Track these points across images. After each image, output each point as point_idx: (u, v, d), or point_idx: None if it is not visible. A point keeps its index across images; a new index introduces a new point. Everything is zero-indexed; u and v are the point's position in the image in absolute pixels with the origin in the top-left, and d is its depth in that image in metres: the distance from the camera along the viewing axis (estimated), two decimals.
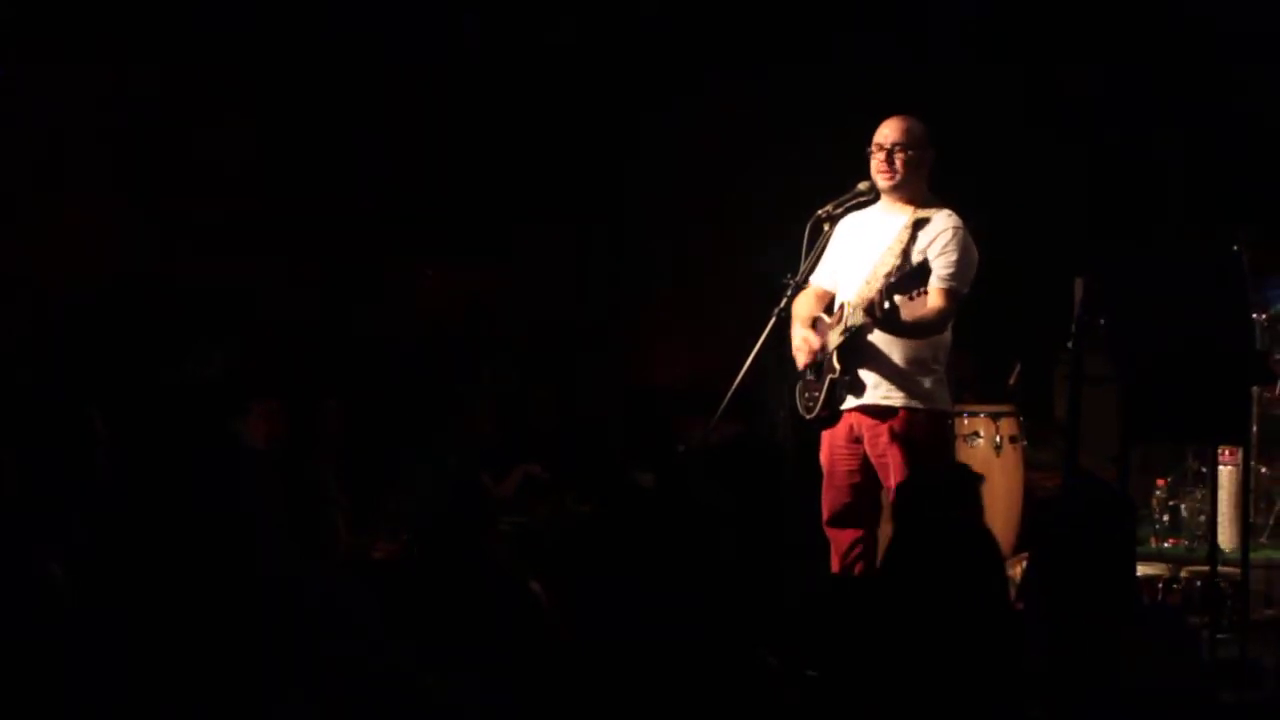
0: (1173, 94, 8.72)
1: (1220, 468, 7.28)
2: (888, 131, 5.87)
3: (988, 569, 3.48)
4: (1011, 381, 7.75)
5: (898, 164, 5.84)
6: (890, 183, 5.86)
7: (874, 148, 5.88)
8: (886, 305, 5.55)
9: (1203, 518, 7.10)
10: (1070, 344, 6.82)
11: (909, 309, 5.71)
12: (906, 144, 5.84)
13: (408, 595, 4.04)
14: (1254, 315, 8.00)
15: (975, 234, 5.90)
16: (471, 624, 3.96)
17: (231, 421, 6.72)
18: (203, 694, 3.23)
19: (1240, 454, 6.99)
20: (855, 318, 5.72)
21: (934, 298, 5.74)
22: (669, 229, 8.49)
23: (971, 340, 6.30)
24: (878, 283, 5.64)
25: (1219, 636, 5.81)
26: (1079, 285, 6.85)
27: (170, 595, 3.32)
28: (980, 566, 3.48)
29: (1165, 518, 8.05)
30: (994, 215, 6.36)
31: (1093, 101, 8.83)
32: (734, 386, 5.92)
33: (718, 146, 8.49)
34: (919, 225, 5.79)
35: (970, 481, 4.54)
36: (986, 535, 3.60)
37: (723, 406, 5.93)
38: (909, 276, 5.55)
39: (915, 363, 5.83)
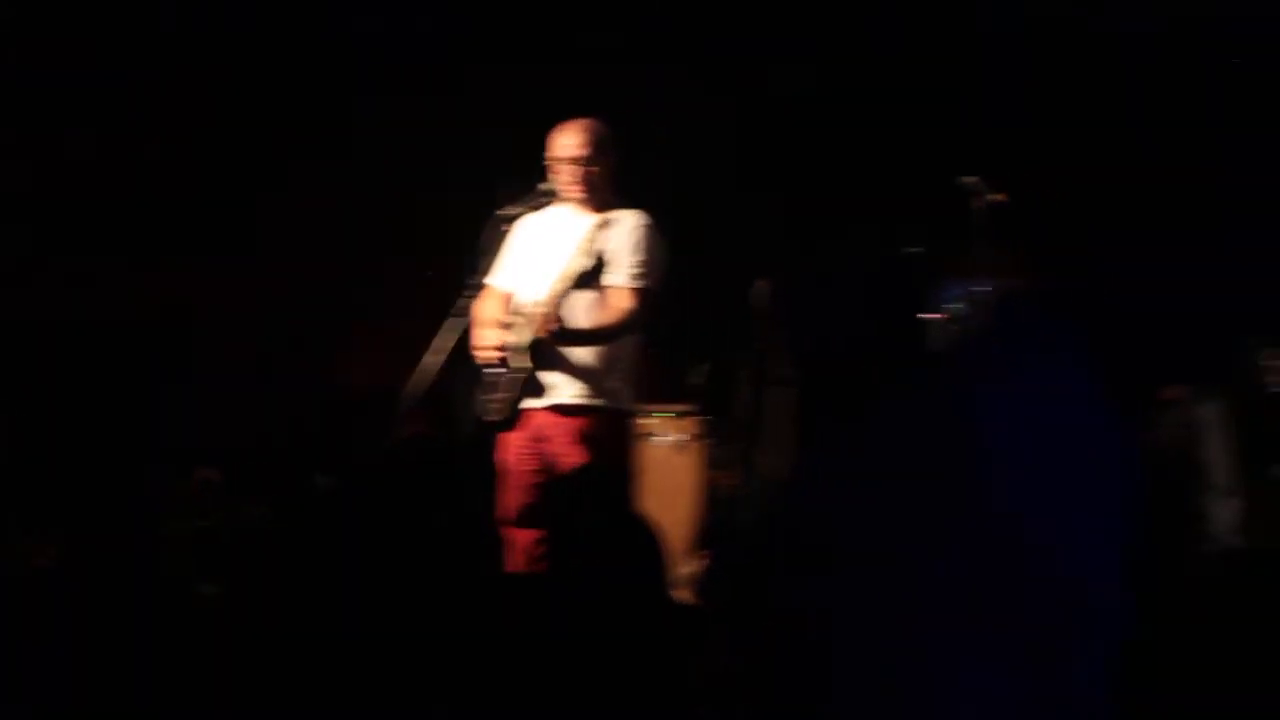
0: (856, 96, 8.89)
1: None
2: (568, 142, 5.84)
3: (646, 566, 3.49)
4: (696, 381, 7.80)
5: (582, 174, 5.83)
6: (576, 194, 5.85)
7: (555, 159, 5.85)
8: (558, 319, 5.57)
9: None
10: (752, 344, 6.90)
11: (597, 312, 5.71)
12: (583, 156, 5.83)
13: (65, 604, 3.89)
14: (931, 316, 8.23)
15: (661, 233, 5.91)
16: (131, 629, 3.83)
17: None
18: None
19: None
20: (537, 330, 5.69)
21: (622, 298, 5.75)
22: (350, 227, 8.36)
23: (656, 339, 6.32)
24: (561, 284, 5.63)
25: None
26: (762, 286, 6.95)
27: None
28: (637, 564, 3.48)
29: None
30: (678, 215, 6.39)
31: (778, 103, 8.95)
32: (416, 387, 5.85)
33: (403, 146, 8.39)
34: (605, 226, 5.78)
35: (614, 481, 4.53)
36: (644, 533, 3.60)
37: (403, 407, 5.85)
38: (590, 273, 5.55)
39: (602, 362, 5.82)
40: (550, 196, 5.95)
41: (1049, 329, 2.00)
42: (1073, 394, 1.94)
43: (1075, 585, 1.93)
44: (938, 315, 8.33)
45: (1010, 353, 2.05)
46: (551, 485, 5.77)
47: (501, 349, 5.84)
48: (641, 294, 5.78)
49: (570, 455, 5.75)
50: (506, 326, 5.90)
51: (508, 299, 6.01)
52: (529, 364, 5.77)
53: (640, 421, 6.93)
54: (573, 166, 5.82)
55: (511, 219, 5.97)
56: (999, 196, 6.42)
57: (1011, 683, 1.86)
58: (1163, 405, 5.80)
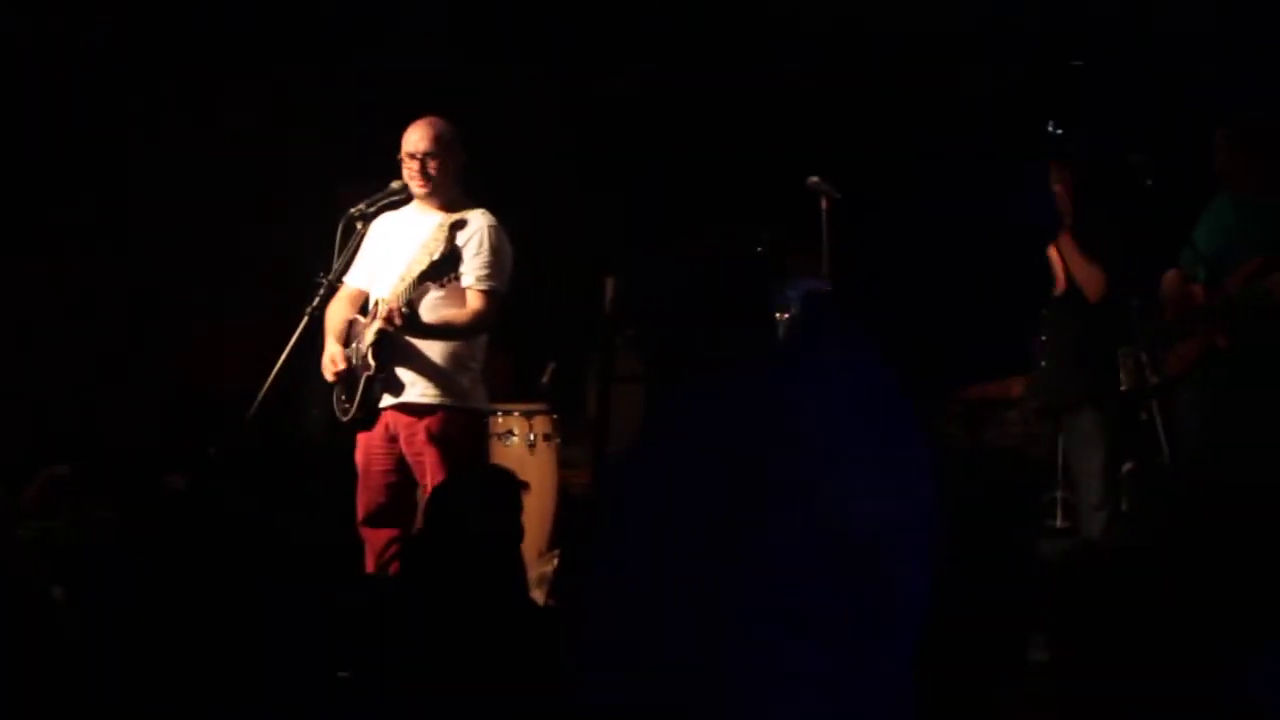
0: (702, 94, 8.97)
1: None
2: (417, 138, 5.85)
3: (505, 570, 3.52)
4: (545, 380, 7.84)
5: (431, 171, 5.85)
6: (425, 190, 5.86)
7: (405, 155, 5.87)
8: (405, 312, 5.58)
9: None
10: (600, 343, 6.94)
11: (444, 310, 5.73)
12: (436, 151, 5.85)
13: None
14: (776, 315, 8.32)
15: (511, 232, 5.95)
16: None
17: None
18: None
19: None
20: (383, 322, 5.70)
21: (473, 299, 5.77)
22: (203, 224, 8.28)
23: (506, 339, 6.35)
24: (410, 283, 5.64)
25: None
26: (609, 285, 6.99)
27: None
28: (500, 568, 3.52)
29: None
30: (527, 214, 6.43)
31: (626, 102, 9.01)
32: (266, 386, 5.82)
33: (258, 141, 8.33)
34: (455, 226, 5.79)
35: (512, 486, 4.56)
36: (512, 539, 3.64)
37: (256, 407, 5.83)
38: (437, 268, 5.56)
39: (452, 361, 5.84)
40: (401, 195, 5.96)
41: (848, 324, 2.07)
42: (864, 385, 2.01)
43: (883, 572, 1.99)
44: (784, 312, 8.44)
45: (807, 345, 2.11)
46: (405, 486, 5.79)
47: (339, 367, 5.84)
48: (489, 295, 5.80)
49: (422, 454, 5.75)
50: (358, 325, 5.90)
51: (359, 297, 6.01)
52: (382, 362, 5.78)
53: (492, 421, 6.95)
54: (421, 161, 5.84)
55: (363, 218, 5.97)
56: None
57: (821, 659, 1.92)
58: (1002, 404, 5.89)
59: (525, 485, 4.66)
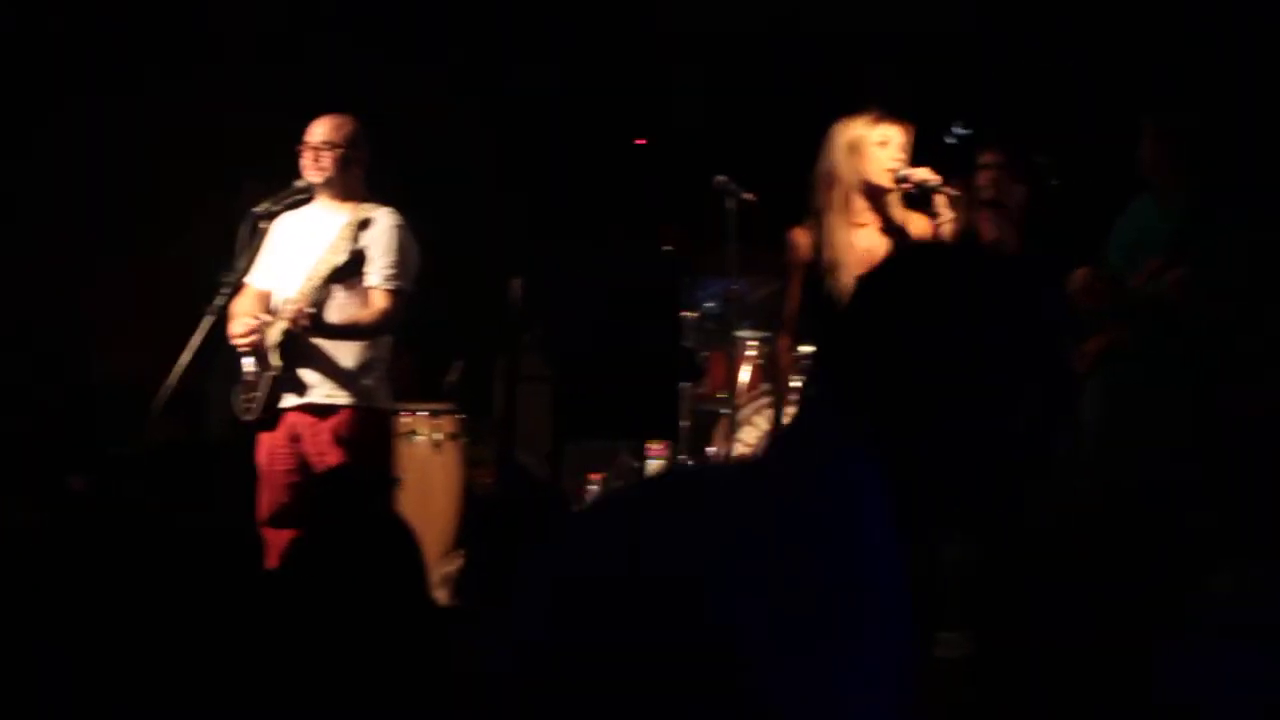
0: (610, 94, 8.99)
1: (650, 461, 7.55)
2: (318, 130, 5.85)
3: (402, 565, 3.50)
4: (451, 379, 7.82)
5: (325, 161, 5.83)
6: (319, 179, 5.84)
7: (304, 145, 5.85)
8: (311, 312, 5.55)
9: None
10: (506, 342, 6.93)
11: (350, 309, 5.71)
12: (335, 142, 5.83)
13: None
14: (684, 314, 8.34)
15: (417, 232, 5.93)
16: None
17: None
18: None
19: (669, 448, 7.27)
20: (289, 322, 5.67)
21: (378, 299, 5.76)
22: (105, 222, 8.20)
23: (411, 338, 6.33)
24: (315, 282, 5.62)
25: None
26: (515, 285, 6.98)
27: None
28: (394, 563, 3.49)
29: None
30: (434, 214, 6.41)
31: (532, 102, 9.01)
32: (169, 386, 5.77)
33: (160, 138, 8.26)
34: (360, 225, 5.77)
35: (382, 481, 4.54)
36: (402, 532, 3.61)
37: (157, 406, 5.78)
38: (344, 270, 5.54)
39: (356, 361, 5.82)
40: (306, 194, 5.93)
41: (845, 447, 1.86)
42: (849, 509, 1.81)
43: None
44: (691, 313, 8.47)
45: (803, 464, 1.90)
46: (307, 484, 5.75)
47: (255, 340, 5.80)
48: (394, 295, 5.79)
49: (326, 455, 5.73)
50: (262, 324, 5.87)
51: (264, 297, 5.97)
52: (286, 362, 5.75)
53: (397, 420, 6.92)
54: (327, 155, 5.82)
55: (267, 216, 5.93)
56: (749, 196, 6.53)
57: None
58: None
59: (396, 480, 4.63)
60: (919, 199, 5.24)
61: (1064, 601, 2.68)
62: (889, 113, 5.27)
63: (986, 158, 6.38)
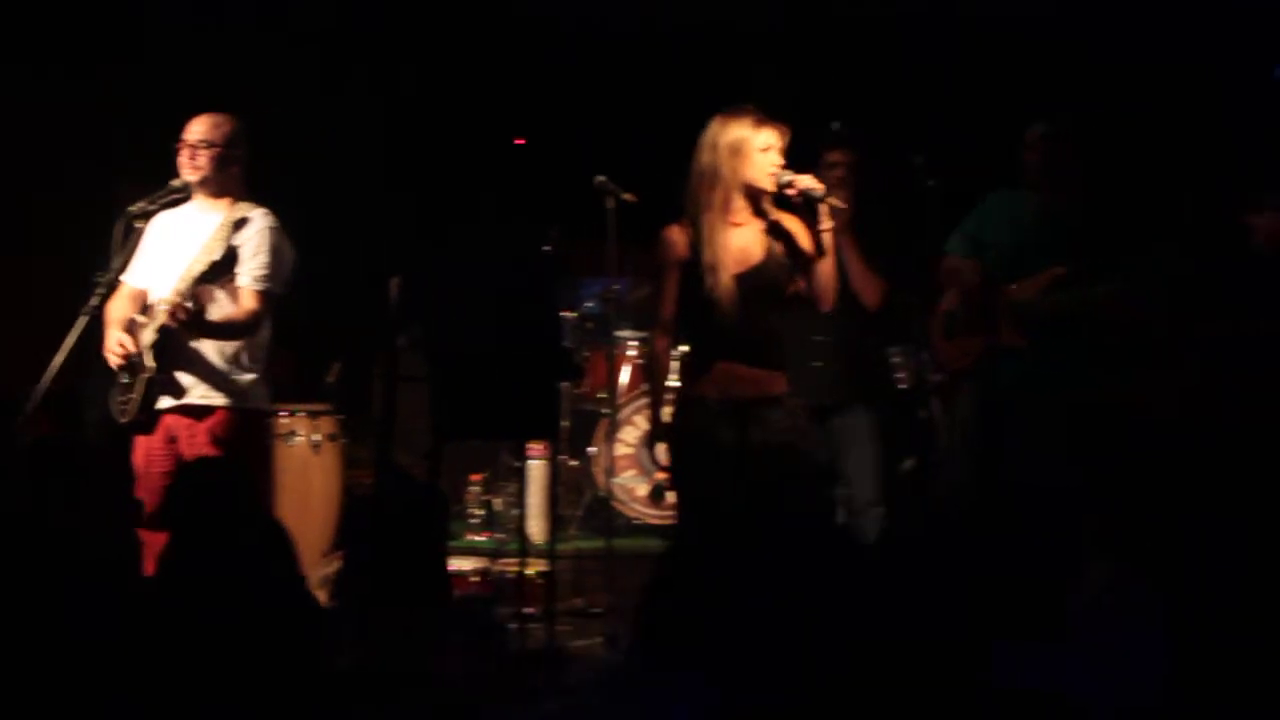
0: (488, 94, 9.00)
1: (530, 462, 7.55)
2: (196, 128, 5.81)
3: (277, 567, 3.49)
4: (330, 379, 7.78)
5: (202, 160, 5.79)
6: (195, 177, 5.81)
7: (181, 144, 5.81)
8: (190, 307, 5.51)
9: (516, 511, 7.32)
10: (385, 342, 6.91)
11: (222, 308, 5.68)
12: (213, 140, 5.80)
13: None
14: (564, 313, 8.36)
15: (294, 233, 5.91)
16: None
17: None
18: None
19: (549, 448, 7.28)
20: (165, 318, 5.63)
21: (247, 299, 5.73)
22: None
23: (290, 339, 6.29)
24: (190, 281, 5.58)
25: (529, 626, 6.02)
26: (394, 285, 6.97)
27: None
28: (267, 565, 3.48)
29: (480, 512, 8.29)
30: (313, 214, 6.38)
31: (412, 102, 8.99)
32: (43, 386, 5.71)
33: (35, 137, 8.16)
34: (235, 225, 5.74)
35: (241, 480, 4.50)
36: (274, 533, 3.60)
37: (31, 407, 5.71)
38: (216, 269, 5.51)
39: (232, 361, 5.78)
40: (183, 193, 5.89)
41: None
42: None
43: None
44: (570, 313, 8.49)
45: None
46: (176, 485, 5.71)
47: (129, 349, 5.75)
48: (263, 296, 5.76)
49: (203, 456, 5.69)
50: (137, 324, 5.82)
51: (140, 296, 5.92)
52: (161, 363, 5.70)
53: (276, 421, 6.89)
54: (204, 153, 5.79)
55: (143, 215, 5.88)
56: (629, 196, 6.55)
57: None
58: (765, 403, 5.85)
59: (254, 478, 4.59)
60: (805, 206, 5.26)
61: (932, 601, 2.72)
62: (770, 115, 5.30)
63: (834, 156, 6.41)
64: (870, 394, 6.50)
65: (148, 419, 5.75)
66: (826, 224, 5.23)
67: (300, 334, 6.58)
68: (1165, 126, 7.74)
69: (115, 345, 5.78)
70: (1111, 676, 2.80)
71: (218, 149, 5.81)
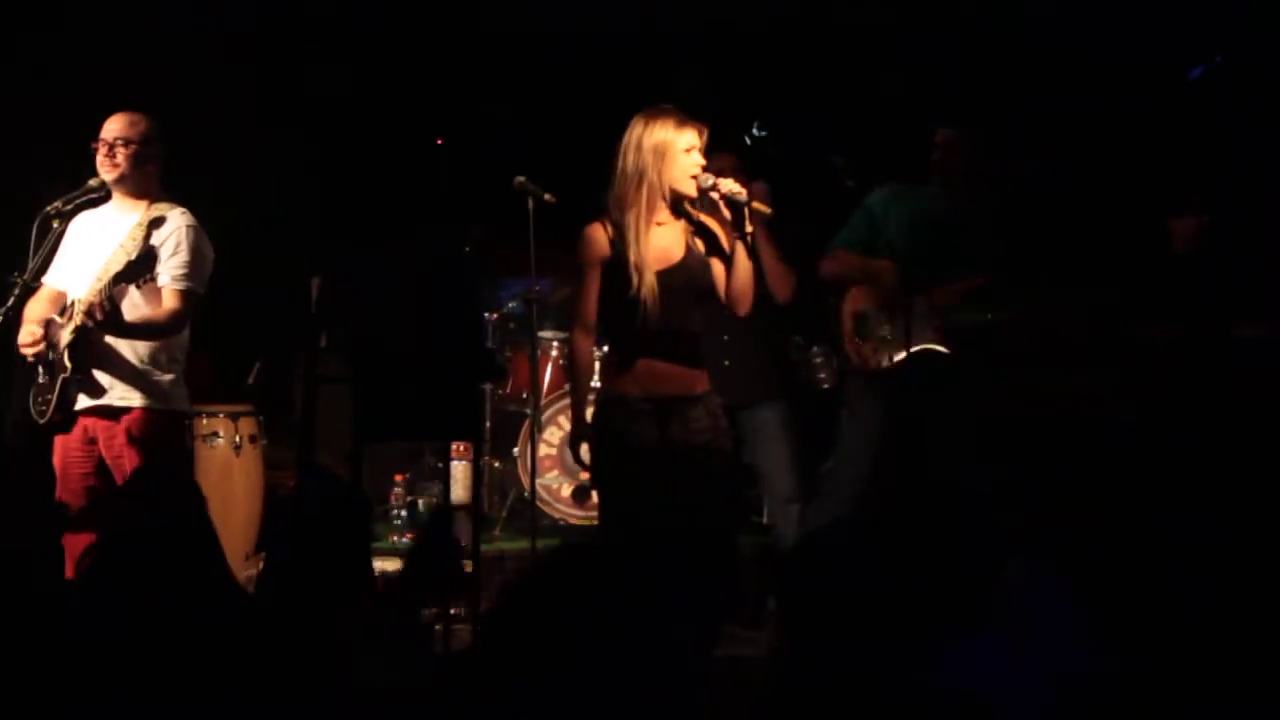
0: (410, 94, 8.98)
1: (454, 463, 7.54)
2: (112, 126, 5.79)
3: (201, 569, 3.48)
4: (251, 380, 7.74)
5: (120, 157, 5.77)
6: (113, 175, 5.79)
7: (99, 142, 5.77)
8: (107, 307, 5.47)
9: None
10: (305, 342, 6.89)
11: (143, 309, 5.65)
12: (130, 138, 5.77)
13: None
14: (486, 314, 8.36)
15: (214, 232, 5.88)
16: None
17: None
18: None
19: (472, 449, 7.27)
20: (82, 318, 5.59)
21: (167, 299, 5.71)
22: None
23: (210, 339, 6.26)
24: (107, 281, 5.54)
25: (454, 627, 6.01)
26: (315, 285, 6.94)
27: None
28: (191, 567, 3.47)
29: (404, 513, 8.28)
30: (232, 214, 6.36)
31: (332, 101, 8.96)
32: None
33: None
34: (153, 224, 5.72)
35: (166, 483, 4.48)
36: (205, 534, 3.58)
37: None
38: (133, 268, 5.47)
39: (151, 362, 5.76)
40: (100, 192, 5.86)
41: None
42: None
43: None
44: (492, 313, 8.49)
45: None
46: (105, 490, 5.67)
47: (38, 338, 5.72)
48: (184, 295, 5.74)
49: (122, 457, 5.66)
50: (55, 325, 5.78)
51: (57, 297, 5.89)
52: (79, 363, 5.67)
53: (198, 422, 6.85)
54: (121, 151, 5.76)
55: (60, 216, 5.84)
56: (549, 196, 6.55)
57: None
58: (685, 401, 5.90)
59: (178, 480, 4.58)
60: (731, 210, 5.30)
61: (857, 598, 2.75)
62: (691, 116, 5.33)
63: (721, 160, 6.44)
64: (785, 391, 6.53)
65: (65, 419, 5.72)
66: (750, 228, 5.27)
67: (221, 335, 6.55)
68: (1091, 128, 7.80)
69: (26, 338, 5.75)
70: (1024, 674, 2.83)
71: (134, 146, 5.78)
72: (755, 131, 6.92)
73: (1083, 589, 3.12)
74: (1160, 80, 7.31)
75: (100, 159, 5.78)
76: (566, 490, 8.30)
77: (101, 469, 5.73)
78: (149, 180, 5.84)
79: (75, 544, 5.67)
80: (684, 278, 5.33)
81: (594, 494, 8.16)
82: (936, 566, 2.89)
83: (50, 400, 5.70)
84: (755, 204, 5.26)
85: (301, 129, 8.72)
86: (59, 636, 3.38)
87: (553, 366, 8.49)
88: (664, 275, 5.28)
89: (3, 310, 5.72)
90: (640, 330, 5.27)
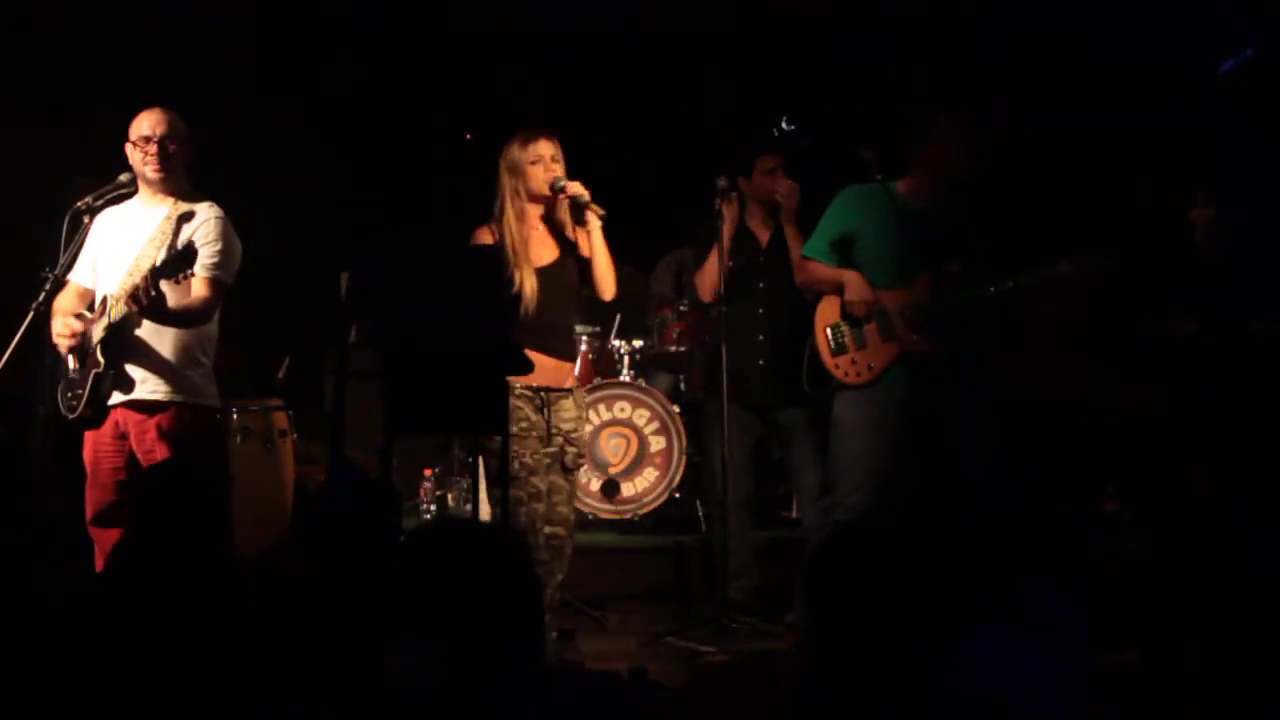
0: (443, 92, 8.99)
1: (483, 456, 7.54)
2: (153, 122, 5.78)
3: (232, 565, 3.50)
4: (281, 375, 7.76)
5: (170, 152, 5.77)
6: (159, 176, 5.78)
7: (139, 139, 5.77)
8: (153, 292, 5.47)
9: (468, 506, 7.31)
10: (335, 338, 6.91)
11: (175, 297, 5.65)
12: (174, 135, 5.78)
13: None
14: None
15: (244, 228, 5.89)
16: None
17: None
18: None
19: (501, 443, 7.26)
20: (119, 310, 5.61)
21: (199, 287, 5.71)
22: None
23: (241, 334, 6.29)
24: (140, 275, 5.55)
25: None
26: (345, 279, 6.94)
27: None
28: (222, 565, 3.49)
29: (434, 506, 8.30)
30: (262, 209, 6.37)
31: (363, 96, 8.98)
32: None
33: None
34: (182, 218, 5.74)
35: (215, 481, 4.49)
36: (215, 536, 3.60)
37: None
38: (174, 263, 5.47)
39: (182, 357, 5.77)
40: (129, 188, 5.87)
41: None
42: None
43: None
44: None
45: None
46: (139, 483, 5.69)
47: (75, 330, 5.74)
48: (214, 283, 5.75)
49: (154, 451, 5.67)
50: (86, 319, 5.80)
51: (86, 293, 5.91)
52: (111, 358, 5.69)
53: (229, 417, 6.87)
54: (160, 144, 5.77)
55: (89, 211, 5.86)
56: (595, 207, 6.59)
57: None
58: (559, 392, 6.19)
59: (215, 475, 4.59)
60: (574, 209, 6.04)
61: (884, 593, 2.75)
62: (534, 130, 6.13)
63: (766, 163, 6.67)
64: (808, 389, 6.53)
65: (97, 415, 5.74)
66: (594, 225, 6.01)
67: (251, 330, 6.57)
68: (1106, 122, 7.78)
69: (63, 329, 5.77)
70: (1045, 675, 2.83)
71: (178, 143, 5.80)
72: (784, 125, 6.96)
73: (1093, 589, 3.13)
74: (1184, 73, 7.29)
75: (145, 156, 5.77)
76: (596, 485, 8.30)
77: (132, 463, 5.74)
78: (179, 176, 5.85)
79: (104, 539, 5.70)
80: (556, 276, 6.09)
81: (622, 488, 8.20)
82: (960, 565, 2.89)
83: (81, 395, 5.72)
84: (593, 206, 5.97)
85: (329, 124, 8.74)
86: (84, 630, 3.41)
87: (581, 360, 8.50)
88: (539, 273, 6.04)
89: (34, 306, 5.74)
90: (519, 324, 5.99)
